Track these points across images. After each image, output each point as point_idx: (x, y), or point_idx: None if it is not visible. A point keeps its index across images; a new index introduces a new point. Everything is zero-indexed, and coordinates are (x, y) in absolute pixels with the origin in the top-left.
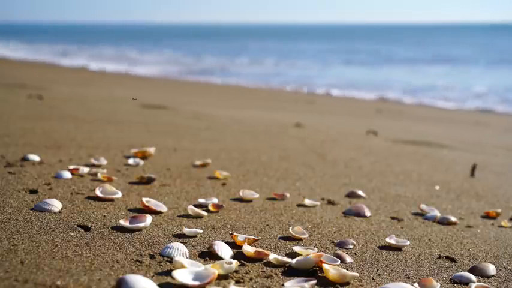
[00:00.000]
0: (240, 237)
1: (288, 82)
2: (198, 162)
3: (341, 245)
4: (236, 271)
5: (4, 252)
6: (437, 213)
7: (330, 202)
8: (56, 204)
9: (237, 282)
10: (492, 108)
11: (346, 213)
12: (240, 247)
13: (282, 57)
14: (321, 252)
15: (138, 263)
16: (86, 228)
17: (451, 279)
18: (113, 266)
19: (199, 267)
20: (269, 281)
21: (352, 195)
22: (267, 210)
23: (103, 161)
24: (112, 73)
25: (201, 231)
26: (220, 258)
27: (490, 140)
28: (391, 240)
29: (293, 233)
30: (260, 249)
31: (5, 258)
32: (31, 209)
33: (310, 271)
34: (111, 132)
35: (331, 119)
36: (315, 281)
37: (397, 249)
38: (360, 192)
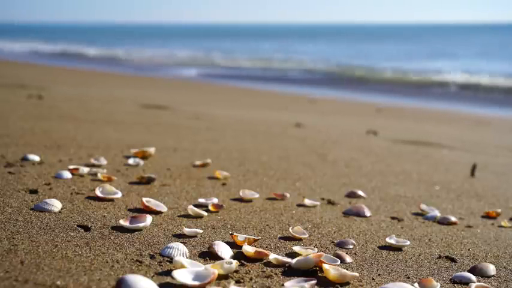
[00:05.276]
0: (240, 237)
1: (288, 82)
2: (198, 162)
3: (341, 245)
4: (236, 271)
5: (4, 252)
6: (437, 213)
7: (330, 202)
8: (56, 204)
9: (237, 282)
10: (492, 108)
11: (346, 213)
12: (240, 247)
13: (282, 58)
14: (321, 252)
15: (138, 263)
16: (86, 228)
17: (451, 279)
18: (113, 266)
19: (199, 267)
20: (269, 281)
21: (352, 195)
22: (267, 210)
23: (103, 161)
24: (112, 73)
25: (201, 231)
26: (220, 258)
27: (490, 140)
28: (391, 240)
29: (293, 233)
30: (260, 249)
31: (5, 258)
32: (31, 209)
33: (310, 271)
34: (111, 132)
35: (331, 119)
36: (315, 281)
37: (397, 249)
38: (360, 192)
